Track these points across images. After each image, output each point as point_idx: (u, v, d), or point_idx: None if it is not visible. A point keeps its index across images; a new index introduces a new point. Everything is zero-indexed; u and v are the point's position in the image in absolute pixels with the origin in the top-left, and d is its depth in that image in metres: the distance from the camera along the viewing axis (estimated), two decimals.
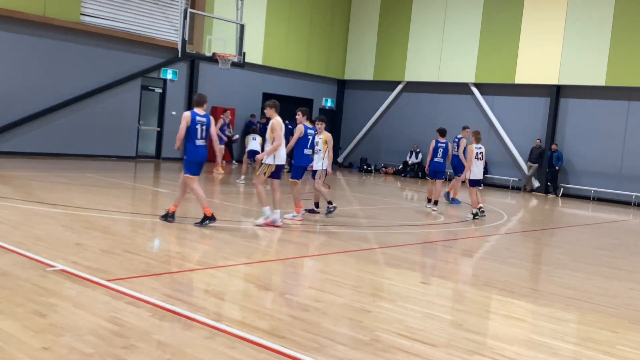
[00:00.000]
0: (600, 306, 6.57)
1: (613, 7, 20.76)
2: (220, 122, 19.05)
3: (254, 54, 23.27)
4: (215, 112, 22.96)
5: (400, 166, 25.48)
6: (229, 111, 20.69)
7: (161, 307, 5.11)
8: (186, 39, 18.47)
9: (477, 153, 13.19)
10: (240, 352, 4.28)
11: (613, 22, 20.76)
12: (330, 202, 11.41)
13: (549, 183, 22.09)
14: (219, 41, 20.42)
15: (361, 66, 27.11)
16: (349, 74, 27.58)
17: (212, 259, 7.23)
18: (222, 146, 18.52)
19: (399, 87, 26.09)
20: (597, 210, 18.52)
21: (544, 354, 4.85)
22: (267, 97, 24.86)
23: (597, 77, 21.06)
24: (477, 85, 24.03)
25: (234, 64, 19.71)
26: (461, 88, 24.40)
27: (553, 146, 21.82)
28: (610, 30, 20.81)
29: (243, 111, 23.70)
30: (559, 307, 6.38)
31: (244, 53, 19.99)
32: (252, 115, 23.75)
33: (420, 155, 25.08)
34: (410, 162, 25.16)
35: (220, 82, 22.99)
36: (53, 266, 6.09)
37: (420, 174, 24.49)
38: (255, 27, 23.02)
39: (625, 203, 20.53)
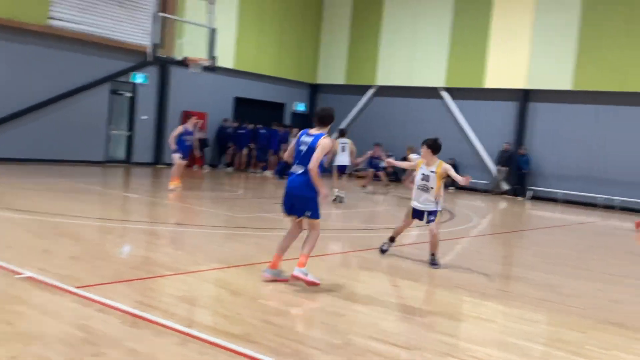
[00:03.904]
0: (569, 307, 6.68)
1: (580, 13, 21.18)
2: (180, 129, 14.78)
3: (226, 58, 23.16)
4: (187, 116, 22.79)
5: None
6: (193, 117, 20.01)
7: (132, 314, 5.04)
8: (157, 42, 18.32)
9: (342, 145, 16.09)
10: (212, 357, 4.25)
11: (580, 28, 21.17)
12: None
13: (517, 186, 22.42)
14: (189, 45, 20.29)
15: (333, 70, 27.19)
16: (321, 78, 27.64)
17: (184, 265, 7.17)
18: (177, 155, 14.34)
19: (371, 91, 26.22)
20: (565, 213, 18.84)
21: (515, 354, 4.91)
22: (239, 101, 24.80)
23: (564, 82, 21.45)
24: (447, 89, 24.28)
25: (205, 68, 19.61)
26: (432, 92, 24.62)
27: (521, 150, 22.17)
28: (577, 35, 21.22)
29: (215, 115, 23.56)
30: (529, 309, 6.47)
31: (215, 57, 19.90)
32: (225, 120, 23.65)
33: (392, 159, 25.21)
34: (381, 166, 25.25)
35: (191, 87, 22.84)
36: (21, 273, 5.97)
37: (394, 177, 24.60)
38: (226, 31, 22.92)
39: (592, 205, 20.92)
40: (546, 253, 10.67)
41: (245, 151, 23.75)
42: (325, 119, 6.54)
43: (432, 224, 8.29)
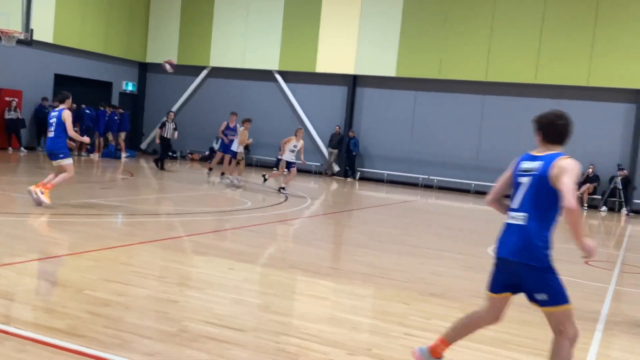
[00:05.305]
0: (394, 281, 7.11)
1: (402, 4, 22.47)
2: None
3: (44, 32, 21.34)
4: None
5: (207, 152, 25.24)
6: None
7: None
8: None
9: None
10: (32, 355, 3.93)
11: (402, 18, 22.48)
12: None
13: (347, 167, 23.43)
14: (1, 15, 18.40)
15: (164, 49, 26.21)
16: (151, 57, 26.54)
17: None
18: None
19: (204, 72, 25.75)
20: (390, 192, 20.03)
21: (345, 329, 5.13)
22: (60, 78, 23.06)
23: (388, 69, 22.70)
24: (280, 73, 24.56)
25: (19, 42, 17.95)
26: (266, 75, 24.76)
27: (350, 133, 23.16)
28: (399, 25, 22.51)
29: (33, 94, 21.71)
30: (358, 284, 6.79)
31: (32, 30, 18.27)
32: (44, 99, 21.89)
33: None
34: (216, 148, 25.01)
35: (5, 61, 20.80)
36: None
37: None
38: (44, 1, 21.12)
39: (413, 185, 22.46)
40: (373, 231, 11.26)
41: None
42: (561, 134, 3.85)
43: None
